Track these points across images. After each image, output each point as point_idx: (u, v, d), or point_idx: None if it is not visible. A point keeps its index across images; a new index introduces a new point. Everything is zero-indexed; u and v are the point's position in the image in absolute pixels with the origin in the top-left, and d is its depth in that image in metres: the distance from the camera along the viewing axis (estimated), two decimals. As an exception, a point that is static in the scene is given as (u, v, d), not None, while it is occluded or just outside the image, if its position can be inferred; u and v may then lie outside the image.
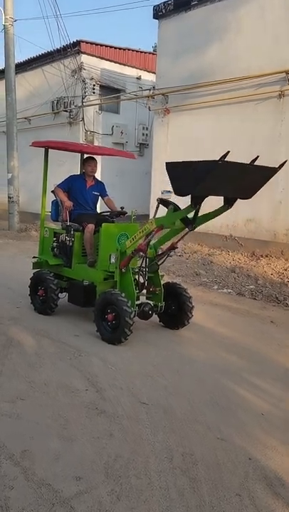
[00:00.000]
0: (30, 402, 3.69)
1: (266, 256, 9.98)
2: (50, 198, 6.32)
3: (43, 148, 6.32)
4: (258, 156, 4.62)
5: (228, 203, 4.94)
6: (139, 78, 16.78)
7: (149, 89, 14.45)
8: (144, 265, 5.46)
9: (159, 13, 12.28)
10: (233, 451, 3.14)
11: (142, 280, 5.57)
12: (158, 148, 12.63)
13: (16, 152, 15.36)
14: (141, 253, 5.24)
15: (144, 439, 3.22)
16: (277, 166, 4.65)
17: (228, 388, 4.15)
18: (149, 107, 13.56)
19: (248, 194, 4.87)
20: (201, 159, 4.23)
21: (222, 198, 4.93)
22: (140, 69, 16.99)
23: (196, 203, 4.62)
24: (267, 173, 4.65)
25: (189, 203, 4.66)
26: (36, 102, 16.97)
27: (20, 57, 24.21)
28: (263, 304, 7.38)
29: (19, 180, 15.58)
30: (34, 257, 6.48)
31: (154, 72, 15.61)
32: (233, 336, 5.71)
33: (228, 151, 3.96)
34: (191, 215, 4.89)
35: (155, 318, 5.71)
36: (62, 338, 5.22)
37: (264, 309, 7.10)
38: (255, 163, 4.47)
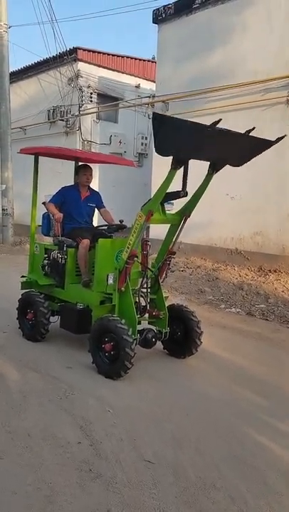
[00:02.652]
0: (8, 461, 2.99)
1: (275, 271, 9.32)
2: (42, 210, 5.68)
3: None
4: (254, 128, 4.15)
5: (214, 169, 4.51)
6: (138, 86, 16.25)
7: (149, 97, 13.95)
8: (145, 285, 4.82)
9: (158, 18, 11.78)
10: (265, 533, 2.45)
11: (143, 303, 4.90)
12: (157, 158, 12.00)
13: (11, 163, 14.77)
14: (136, 259, 4.58)
15: (151, 516, 2.53)
16: (274, 140, 4.26)
17: (249, 437, 3.46)
18: (149, 115, 13.02)
19: (238, 162, 4.51)
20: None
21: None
22: (139, 77, 16.47)
23: (177, 165, 4.17)
24: (262, 145, 4.29)
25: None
26: (32, 111, 16.44)
27: (15, 65, 23.68)
28: (276, 326, 6.70)
29: (14, 192, 14.99)
30: (23, 276, 5.81)
31: (153, 81, 15.12)
32: (247, 365, 5.03)
33: (220, 119, 3.63)
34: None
35: (159, 345, 5.02)
36: (52, 371, 4.53)
37: (278, 332, 6.43)
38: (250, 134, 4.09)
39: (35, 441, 3.24)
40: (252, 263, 9.91)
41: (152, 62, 16.60)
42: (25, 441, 3.24)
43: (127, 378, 4.37)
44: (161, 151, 4.02)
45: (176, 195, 4.45)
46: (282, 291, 8.11)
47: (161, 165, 11.53)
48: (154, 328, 4.87)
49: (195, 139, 3.85)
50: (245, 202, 9.92)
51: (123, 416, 3.69)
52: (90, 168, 5.67)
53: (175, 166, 4.14)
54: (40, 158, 5.70)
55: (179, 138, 3.84)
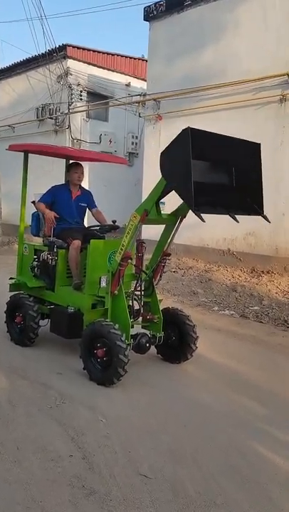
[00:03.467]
0: (-5, 477, 2.81)
1: (268, 272, 9.21)
2: (31, 209, 5.49)
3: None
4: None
5: None
6: (128, 85, 16.05)
7: (140, 95, 13.78)
8: (139, 288, 4.65)
9: (150, 15, 11.63)
10: None
11: (136, 306, 4.74)
12: (149, 157, 11.88)
13: (-2, 161, 14.51)
14: (130, 261, 4.42)
15: (149, 538, 2.37)
16: (261, 214, 4.38)
17: (248, 448, 3.30)
18: (140, 114, 12.86)
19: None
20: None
21: None
22: (130, 75, 16.27)
23: None
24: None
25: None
26: (20, 109, 16.14)
27: (3, 62, 23.25)
28: (271, 329, 6.58)
29: (2, 191, 14.73)
30: (11, 278, 5.61)
31: (144, 79, 14.94)
32: (243, 370, 4.89)
33: None
34: None
35: (152, 349, 4.84)
36: (41, 378, 4.35)
37: (273, 335, 6.31)
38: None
39: (25, 454, 3.06)
40: (244, 264, 9.80)
41: (143, 60, 16.44)
42: (14, 454, 3.05)
43: (120, 385, 4.20)
44: (171, 178, 3.88)
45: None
46: (276, 293, 8.00)
47: (152, 165, 11.42)
48: (147, 332, 4.71)
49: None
50: (237, 202, 9.79)
51: (116, 426, 3.52)
52: (82, 167, 5.48)
53: None
54: (30, 156, 5.51)
55: (182, 183, 3.68)
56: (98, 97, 15.48)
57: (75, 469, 2.92)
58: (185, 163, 3.62)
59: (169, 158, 3.87)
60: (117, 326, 4.18)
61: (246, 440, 3.42)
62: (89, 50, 15.45)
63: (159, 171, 4.02)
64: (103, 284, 4.44)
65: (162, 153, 3.92)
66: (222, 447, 3.29)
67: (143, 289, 4.75)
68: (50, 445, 3.18)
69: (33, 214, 5.53)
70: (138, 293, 4.69)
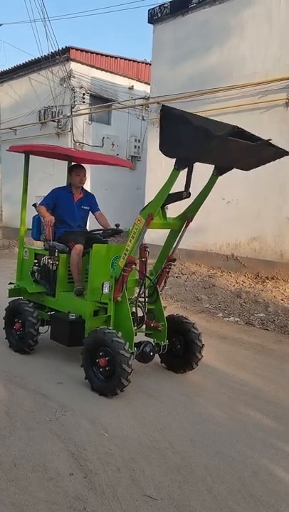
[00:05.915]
0: (-10, 498, 2.62)
1: (272, 278, 9.03)
2: (32, 212, 5.32)
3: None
4: (270, 139, 3.85)
5: (219, 171, 4.16)
6: (131, 88, 15.95)
7: (143, 98, 13.67)
8: (143, 294, 4.47)
9: (154, 17, 11.49)
10: None
11: (140, 313, 4.55)
12: (152, 161, 11.72)
13: (0, 164, 14.38)
14: (134, 266, 4.24)
15: None
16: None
17: (263, 468, 3.10)
18: (143, 117, 12.73)
19: (247, 167, 4.18)
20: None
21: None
22: (132, 79, 16.18)
23: (181, 165, 3.80)
24: (276, 155, 3.97)
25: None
26: (23, 112, 16.04)
27: (6, 64, 23.19)
28: (278, 337, 6.39)
29: (3, 194, 14.59)
30: (10, 283, 5.43)
31: (147, 83, 14.83)
32: (252, 382, 4.69)
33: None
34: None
35: (156, 358, 4.66)
36: (41, 388, 4.16)
37: (280, 343, 6.11)
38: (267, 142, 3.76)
39: (22, 472, 2.88)
40: (248, 270, 9.62)
41: (146, 64, 16.33)
42: (11, 472, 2.87)
43: (123, 396, 4.02)
44: (167, 151, 3.69)
45: (178, 196, 4.10)
46: (282, 300, 7.81)
47: (155, 168, 11.26)
48: (151, 340, 4.52)
49: (206, 143, 3.45)
50: (241, 206, 9.63)
51: (119, 441, 3.33)
52: (84, 169, 5.32)
53: (178, 167, 3.79)
54: (31, 158, 5.35)
55: (188, 138, 3.49)
56: (101, 100, 15.36)
57: (76, 489, 2.73)
58: (182, 124, 3.46)
59: (167, 142, 3.65)
60: (120, 334, 4.00)
61: (258, 457, 3.23)
62: (92, 52, 15.35)
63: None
64: (106, 290, 4.26)
65: (161, 147, 3.71)
66: (232, 465, 3.10)
67: (147, 295, 4.58)
68: (50, 462, 3.00)
69: (33, 217, 5.37)
70: (142, 299, 4.51)
